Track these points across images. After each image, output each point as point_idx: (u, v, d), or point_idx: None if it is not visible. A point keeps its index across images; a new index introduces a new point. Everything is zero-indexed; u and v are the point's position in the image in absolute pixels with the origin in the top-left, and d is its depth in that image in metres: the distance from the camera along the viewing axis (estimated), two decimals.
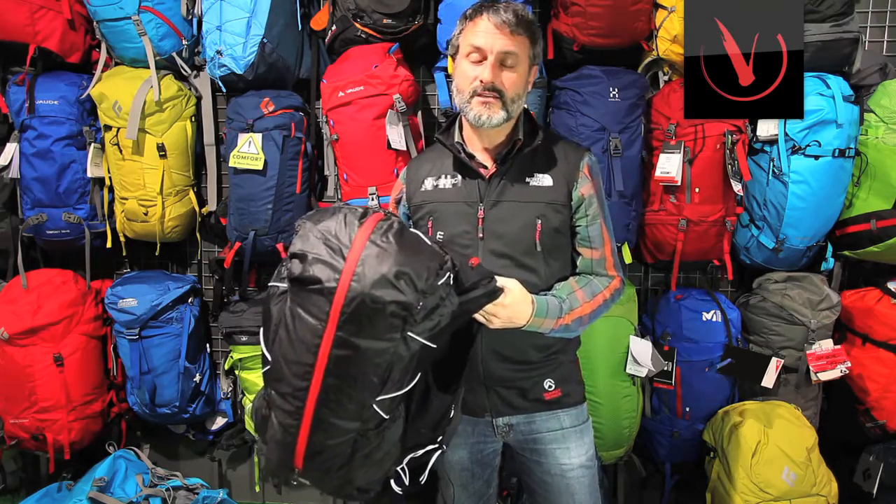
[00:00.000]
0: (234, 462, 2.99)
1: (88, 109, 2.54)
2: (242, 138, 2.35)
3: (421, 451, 1.35)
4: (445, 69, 2.26)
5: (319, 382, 1.16)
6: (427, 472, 1.36)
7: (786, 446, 2.14)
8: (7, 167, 2.52)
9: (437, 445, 1.36)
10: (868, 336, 2.34)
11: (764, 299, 2.38)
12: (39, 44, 2.44)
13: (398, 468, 1.33)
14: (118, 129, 2.42)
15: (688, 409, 2.40)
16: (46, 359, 2.47)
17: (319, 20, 2.48)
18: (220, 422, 2.82)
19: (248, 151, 2.35)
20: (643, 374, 2.32)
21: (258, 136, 2.34)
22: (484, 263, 1.43)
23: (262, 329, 1.29)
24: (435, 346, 1.22)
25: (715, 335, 2.36)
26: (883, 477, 2.29)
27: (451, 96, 1.58)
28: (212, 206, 2.65)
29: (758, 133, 2.23)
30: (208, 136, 2.62)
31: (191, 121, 2.56)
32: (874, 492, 2.30)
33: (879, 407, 2.33)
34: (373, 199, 2.29)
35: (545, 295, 1.46)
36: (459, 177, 1.56)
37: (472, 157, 1.56)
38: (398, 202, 1.71)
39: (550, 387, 1.58)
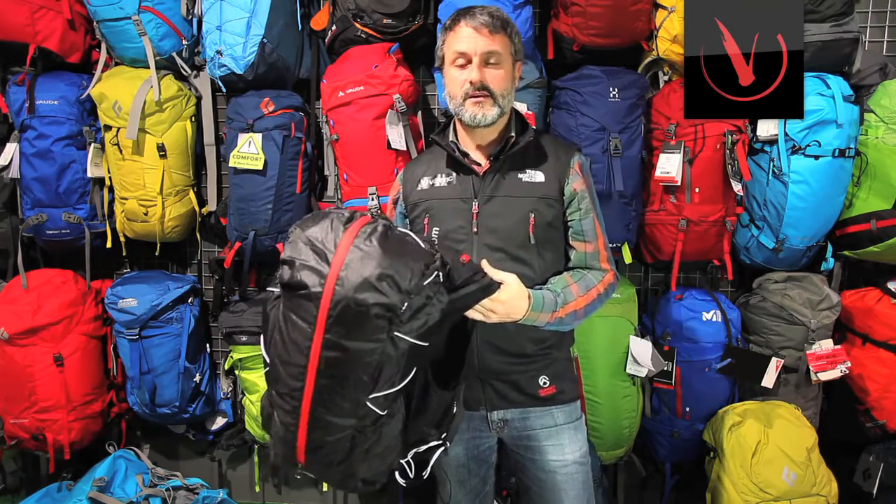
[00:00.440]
0: (234, 462, 2.99)
1: (88, 109, 2.54)
2: (242, 138, 2.35)
3: (424, 447, 1.37)
4: None
5: (313, 383, 1.20)
6: (430, 467, 1.39)
7: (786, 446, 2.14)
8: (7, 167, 2.52)
9: (440, 442, 1.38)
10: (868, 336, 2.34)
11: (764, 299, 2.38)
12: (39, 44, 2.44)
13: (402, 461, 1.36)
14: (118, 129, 2.42)
15: (688, 409, 2.40)
16: (46, 359, 2.47)
17: (319, 20, 2.48)
18: (220, 422, 2.82)
19: (248, 151, 2.35)
20: (643, 374, 2.32)
21: (258, 136, 2.34)
22: (478, 257, 1.49)
23: (262, 332, 1.34)
24: (426, 344, 1.24)
25: (715, 335, 2.36)
26: (883, 477, 2.29)
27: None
28: (212, 206, 2.65)
29: (758, 133, 2.23)
30: (208, 136, 2.62)
31: (191, 121, 2.56)
32: (874, 492, 2.30)
33: (879, 407, 2.33)
34: (373, 199, 2.29)
35: (541, 289, 1.49)
36: (454, 175, 1.62)
37: (466, 155, 1.62)
38: (395, 203, 1.76)
39: (545, 383, 1.61)
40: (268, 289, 1.32)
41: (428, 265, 1.20)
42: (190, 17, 2.50)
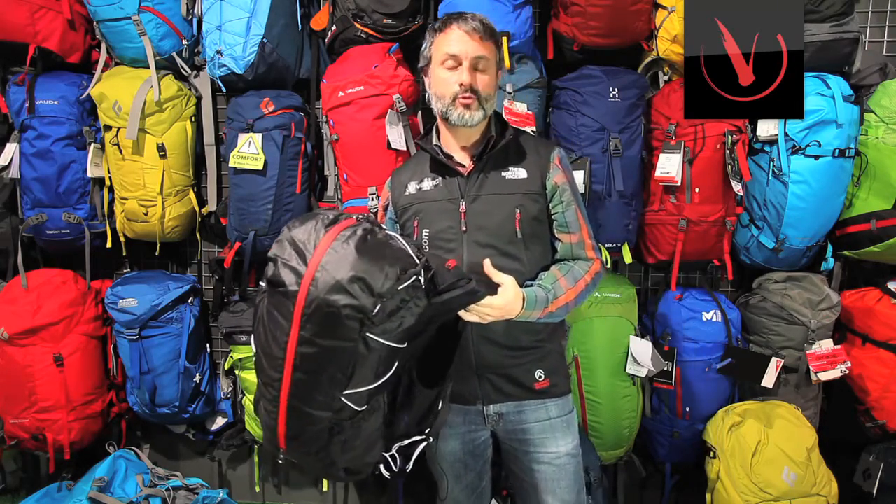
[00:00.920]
0: (234, 462, 2.99)
1: (88, 109, 2.54)
2: (242, 138, 2.35)
3: (407, 441, 1.42)
4: None
5: (289, 375, 1.26)
6: (412, 461, 1.43)
7: (786, 446, 2.14)
8: (7, 167, 2.52)
9: (423, 437, 1.43)
10: (868, 336, 2.34)
11: (764, 299, 2.38)
12: (39, 44, 2.44)
13: (387, 455, 1.40)
14: (118, 129, 2.42)
15: (688, 409, 2.40)
16: (46, 359, 2.47)
17: (319, 20, 2.48)
18: (220, 422, 2.82)
19: (248, 151, 2.35)
20: (643, 374, 2.32)
21: (258, 136, 2.34)
22: (468, 254, 1.57)
23: (252, 323, 1.40)
24: (403, 346, 1.28)
25: (715, 335, 2.36)
26: (883, 477, 2.29)
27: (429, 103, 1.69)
28: (212, 206, 2.65)
29: (758, 133, 2.23)
30: (208, 136, 2.62)
31: (191, 121, 2.56)
32: (874, 492, 2.30)
33: (879, 407, 2.33)
34: (372, 199, 2.29)
35: (531, 286, 1.55)
36: (440, 177, 1.68)
37: (450, 157, 1.67)
38: (385, 209, 1.83)
39: (540, 377, 1.66)
40: (259, 283, 1.37)
41: (405, 269, 1.23)
42: (190, 17, 2.50)
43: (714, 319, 2.36)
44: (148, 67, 2.42)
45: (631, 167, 2.26)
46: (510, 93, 2.23)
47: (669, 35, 2.23)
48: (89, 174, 2.53)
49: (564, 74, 2.31)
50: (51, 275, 2.57)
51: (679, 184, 2.22)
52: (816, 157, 2.15)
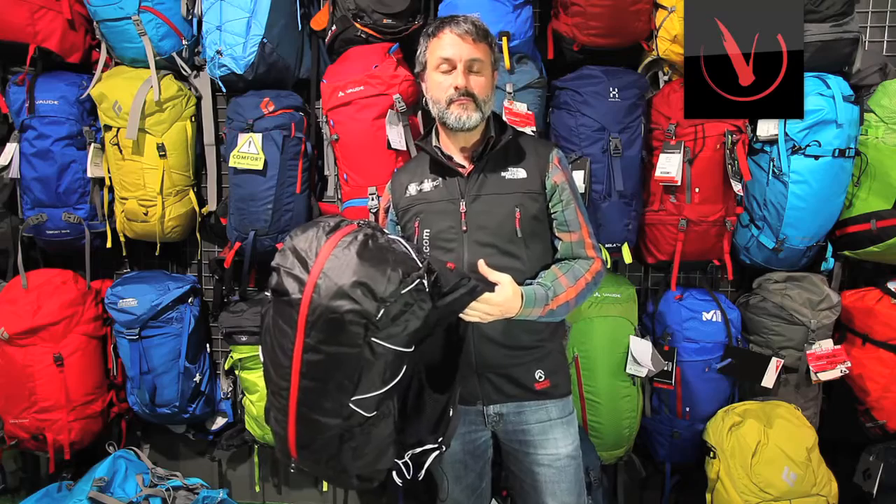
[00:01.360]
0: (234, 462, 2.99)
1: (88, 109, 2.54)
2: (242, 138, 2.35)
3: (420, 449, 1.41)
4: None
5: (297, 383, 1.26)
6: (424, 469, 1.42)
7: (786, 446, 2.14)
8: (7, 167, 2.52)
9: (436, 445, 1.42)
10: (868, 336, 2.34)
11: (764, 299, 2.38)
12: (39, 44, 2.44)
13: (400, 462, 1.39)
14: (118, 129, 2.42)
15: (688, 409, 2.40)
16: (46, 359, 2.47)
17: (319, 20, 2.48)
18: (220, 422, 2.82)
19: (248, 151, 2.35)
20: (643, 374, 2.32)
21: (258, 136, 2.34)
22: (469, 254, 1.57)
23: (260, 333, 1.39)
24: (410, 349, 1.28)
25: (715, 335, 2.36)
26: (883, 477, 2.29)
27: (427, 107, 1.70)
28: (212, 206, 2.65)
29: (758, 133, 2.23)
30: (208, 136, 2.62)
31: (191, 121, 2.56)
32: (874, 492, 2.30)
33: (879, 407, 2.33)
34: (372, 199, 2.29)
35: (531, 284, 1.55)
36: (440, 178, 1.68)
37: (450, 158, 1.68)
38: (386, 210, 1.83)
39: (541, 377, 1.66)
40: (265, 293, 1.35)
41: (408, 273, 1.23)
42: (190, 17, 2.50)
43: (714, 319, 2.36)
44: (148, 67, 2.42)
45: (631, 167, 2.26)
46: (510, 93, 2.23)
47: (669, 35, 2.23)
48: (89, 174, 2.53)
49: (564, 74, 2.31)
50: (51, 275, 2.57)
51: (679, 184, 2.22)
52: (816, 157, 2.15)
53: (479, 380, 1.64)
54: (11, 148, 2.51)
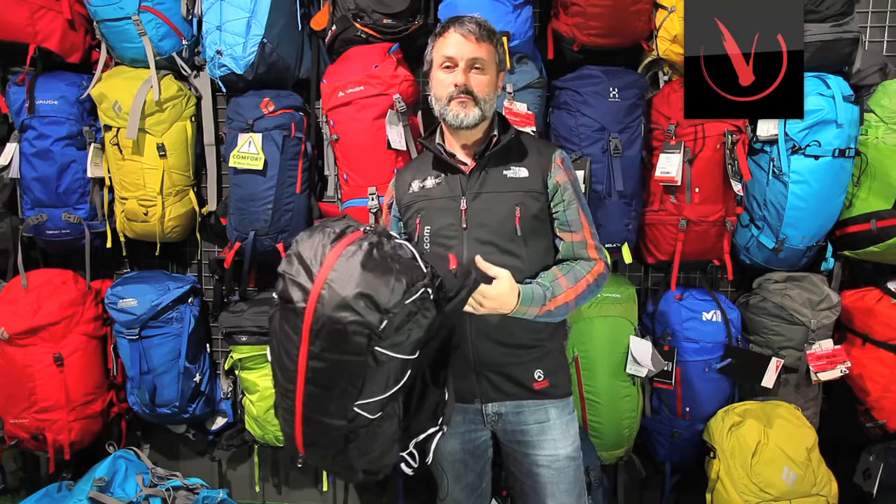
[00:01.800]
0: (234, 462, 2.99)
1: (88, 109, 2.54)
2: (242, 138, 2.35)
3: (422, 436, 1.43)
4: None
5: (302, 387, 1.27)
6: (431, 454, 1.44)
7: (786, 446, 2.14)
8: (7, 167, 2.52)
9: (437, 427, 1.44)
10: (868, 336, 2.34)
11: (764, 299, 2.38)
12: (39, 44, 2.44)
13: (405, 454, 1.42)
14: (118, 129, 2.42)
15: (688, 409, 2.40)
16: (46, 359, 2.47)
17: (319, 20, 2.48)
18: (220, 422, 2.82)
19: (248, 151, 2.35)
20: (643, 374, 2.32)
21: (258, 136, 2.34)
22: (469, 252, 1.57)
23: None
24: (413, 356, 1.29)
25: (715, 335, 2.36)
26: (883, 477, 2.29)
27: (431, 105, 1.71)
28: (212, 206, 2.65)
29: (758, 133, 2.23)
30: (208, 136, 2.62)
31: (191, 121, 2.56)
32: (874, 492, 2.30)
33: (879, 407, 2.33)
34: (373, 199, 2.29)
35: (530, 283, 1.55)
36: (442, 176, 1.69)
37: (452, 155, 1.70)
38: (389, 207, 1.84)
39: (540, 377, 1.66)
40: (272, 295, 1.38)
41: (413, 283, 1.23)
42: (190, 17, 2.50)
43: (714, 319, 2.37)
44: (148, 67, 2.42)
45: (631, 167, 2.26)
46: (510, 93, 2.23)
47: (669, 35, 2.23)
48: (89, 174, 2.53)
49: (564, 74, 2.32)
50: (51, 275, 2.57)
51: (679, 184, 2.22)
52: (816, 157, 2.15)
53: (478, 378, 1.65)
54: (11, 148, 2.52)
